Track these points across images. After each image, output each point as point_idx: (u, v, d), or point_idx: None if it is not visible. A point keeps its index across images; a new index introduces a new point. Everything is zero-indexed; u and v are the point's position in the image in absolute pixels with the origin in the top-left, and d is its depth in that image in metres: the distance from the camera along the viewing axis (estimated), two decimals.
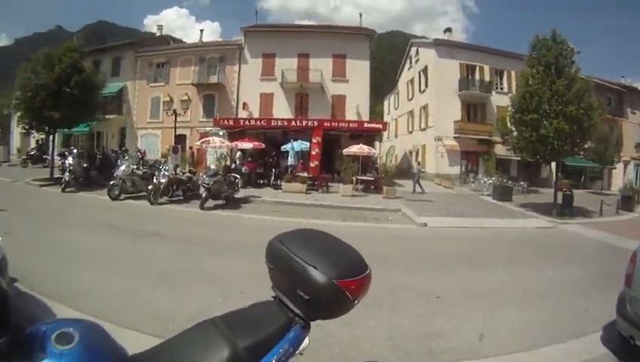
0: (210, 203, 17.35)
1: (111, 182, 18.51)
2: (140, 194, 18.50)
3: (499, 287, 7.99)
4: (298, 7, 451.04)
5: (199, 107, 39.53)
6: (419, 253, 11.26)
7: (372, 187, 25.38)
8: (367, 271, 2.17)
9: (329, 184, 25.10)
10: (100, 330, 1.75)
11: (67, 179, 20.16)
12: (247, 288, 6.62)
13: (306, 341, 2.14)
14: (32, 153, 37.26)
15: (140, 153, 29.85)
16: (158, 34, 51.32)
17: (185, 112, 24.14)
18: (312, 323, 2.17)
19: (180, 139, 34.01)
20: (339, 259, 2.14)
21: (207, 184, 16.80)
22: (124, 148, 36.11)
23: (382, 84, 64.79)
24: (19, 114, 23.75)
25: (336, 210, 17.98)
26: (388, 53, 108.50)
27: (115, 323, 5.04)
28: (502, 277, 8.82)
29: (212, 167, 18.64)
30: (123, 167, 18.86)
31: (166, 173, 18.37)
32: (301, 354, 2.11)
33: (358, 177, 26.11)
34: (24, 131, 28.04)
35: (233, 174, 19.60)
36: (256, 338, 1.89)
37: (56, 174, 23.76)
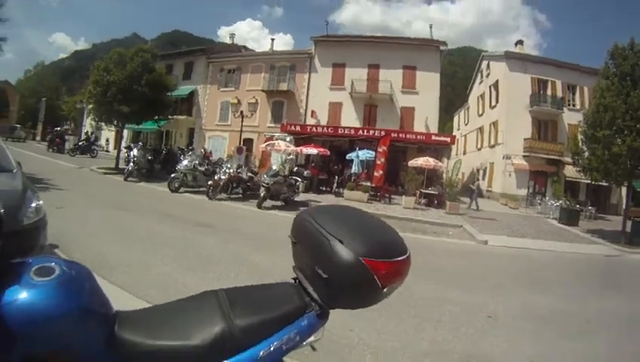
0: (269, 203, 17.14)
1: (172, 175, 18.91)
2: (200, 189, 18.70)
3: (557, 314, 7.18)
4: (370, 22, 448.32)
5: (268, 113, 39.76)
6: (475, 270, 10.62)
7: (435, 201, 24.43)
8: (405, 256, 1.75)
9: (392, 196, 24.42)
10: (86, 274, 1.64)
11: (130, 168, 21.15)
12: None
13: (320, 333, 1.80)
14: (79, 143, 38.98)
15: (205, 152, 30.24)
16: (230, 42, 52.16)
17: (252, 114, 24.22)
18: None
19: (247, 143, 34.76)
20: (371, 237, 1.76)
21: (267, 184, 16.54)
22: (190, 147, 36.62)
23: (453, 100, 63.52)
24: (90, 107, 25.30)
25: (395, 221, 16.86)
26: (459, 69, 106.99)
27: (144, 298, 5.01)
28: (562, 303, 7.95)
29: (274, 167, 18.51)
30: (186, 162, 19.31)
31: (227, 170, 18.34)
32: (313, 347, 1.83)
33: (422, 190, 25.25)
34: (93, 123, 29.17)
35: (294, 177, 19.41)
36: (258, 319, 1.66)
37: (122, 165, 24.68)
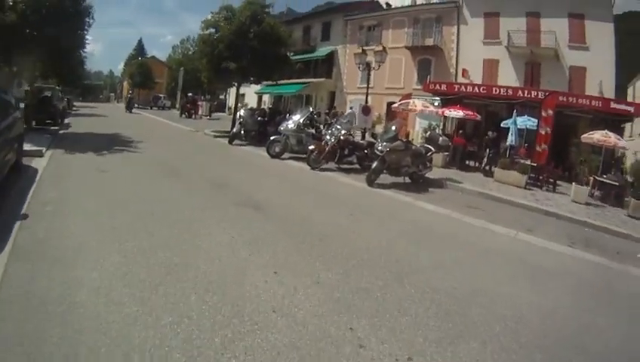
0: (388, 179, 12.71)
1: (272, 138, 16.19)
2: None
3: None
4: None
5: (414, 73, 35.12)
6: None
7: (613, 195, 16.35)
8: None
9: (557, 181, 17.53)
10: None
11: (235, 131, 20.07)
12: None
13: None
14: (184, 105, 42.56)
15: (337, 112, 27.15)
16: None
17: (379, 66, 19.93)
18: None
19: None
20: None
21: (381, 152, 12.17)
22: (330, 110, 33.14)
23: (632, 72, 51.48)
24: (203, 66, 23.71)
25: (561, 223, 11.07)
26: (626, 37, 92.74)
27: None
28: None
29: (393, 128, 13.44)
30: (290, 123, 16.09)
31: (336, 133, 14.29)
32: None
33: (597, 178, 17.37)
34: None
35: (426, 145, 14.39)
36: None
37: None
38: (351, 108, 30.30)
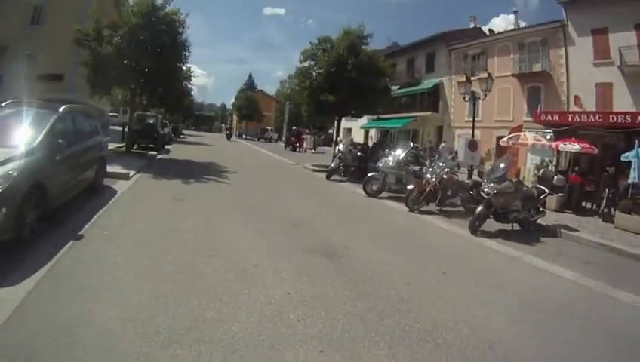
0: (494, 226, 11.06)
1: (369, 175, 15.23)
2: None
3: None
4: None
5: (523, 103, 33.06)
6: None
7: None
8: None
9: None
10: None
11: (334, 166, 19.30)
12: None
13: None
14: (289, 137, 43.41)
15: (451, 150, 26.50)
16: (471, 25, 45.95)
17: (485, 95, 18.39)
18: None
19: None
20: None
21: (487, 194, 10.69)
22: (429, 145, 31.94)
23: None
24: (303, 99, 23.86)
25: None
26: None
27: None
28: None
29: (501, 166, 11.70)
30: (389, 159, 15.06)
31: (438, 171, 12.89)
32: None
33: None
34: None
35: (539, 186, 12.51)
36: None
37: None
38: (444, 141, 28.81)
